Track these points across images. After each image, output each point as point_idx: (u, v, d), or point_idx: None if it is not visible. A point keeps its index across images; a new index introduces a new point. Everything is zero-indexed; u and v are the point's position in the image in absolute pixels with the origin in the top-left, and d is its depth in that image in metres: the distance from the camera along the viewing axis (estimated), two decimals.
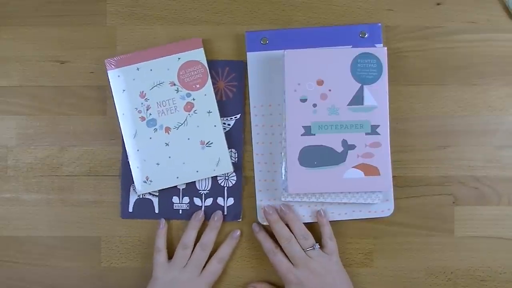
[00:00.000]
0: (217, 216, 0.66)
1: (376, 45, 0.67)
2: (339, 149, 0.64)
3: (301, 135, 0.64)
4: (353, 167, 0.64)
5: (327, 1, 0.69)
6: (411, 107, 0.68)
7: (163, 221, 0.66)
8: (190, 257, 0.64)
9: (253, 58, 0.67)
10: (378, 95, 0.64)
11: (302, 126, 0.64)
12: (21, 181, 0.68)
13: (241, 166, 0.67)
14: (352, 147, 0.64)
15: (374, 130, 0.64)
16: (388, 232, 0.67)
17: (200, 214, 0.66)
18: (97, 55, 0.68)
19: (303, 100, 0.64)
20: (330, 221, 0.66)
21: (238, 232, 0.66)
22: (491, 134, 0.68)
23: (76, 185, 0.68)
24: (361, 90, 0.64)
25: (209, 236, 0.65)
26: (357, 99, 0.64)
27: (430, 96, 0.68)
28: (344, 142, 0.64)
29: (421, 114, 0.68)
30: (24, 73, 0.69)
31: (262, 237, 0.65)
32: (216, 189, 0.67)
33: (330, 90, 0.64)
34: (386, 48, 0.65)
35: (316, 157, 0.64)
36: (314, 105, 0.64)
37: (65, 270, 0.68)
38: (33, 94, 0.68)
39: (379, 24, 0.67)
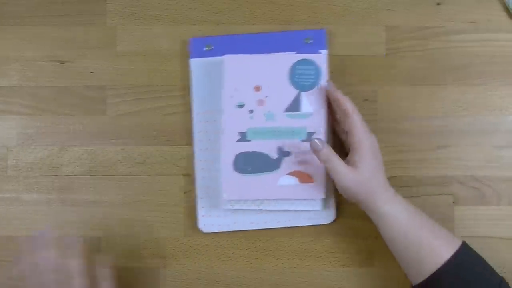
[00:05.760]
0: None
1: (320, 51, 0.66)
2: (274, 155, 0.64)
3: (237, 141, 0.64)
4: (287, 174, 0.64)
5: (327, 1, 0.69)
6: (411, 107, 0.68)
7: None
8: None
9: (196, 65, 0.67)
10: (315, 102, 0.64)
11: (238, 132, 0.64)
12: (21, 181, 0.68)
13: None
14: (287, 154, 0.64)
15: (310, 137, 0.64)
16: None
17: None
18: (97, 55, 0.68)
19: (240, 106, 0.64)
20: (272, 229, 0.66)
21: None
22: (491, 134, 0.68)
23: (76, 185, 0.68)
24: (298, 97, 0.64)
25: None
26: (294, 106, 0.64)
27: (430, 96, 0.68)
28: (279, 149, 0.64)
29: (421, 114, 0.68)
30: (24, 73, 0.69)
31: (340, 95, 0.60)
32: None
33: (267, 96, 0.64)
34: (325, 54, 0.65)
35: (251, 163, 0.64)
36: (251, 111, 0.64)
37: None
38: (33, 94, 0.68)
39: (324, 30, 0.67)
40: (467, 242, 0.59)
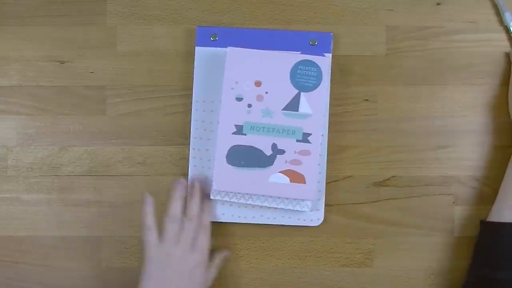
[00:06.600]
0: (195, 182, 0.65)
1: (325, 54, 0.67)
2: (268, 152, 0.64)
3: (232, 133, 0.64)
4: (279, 172, 0.64)
5: (327, 1, 0.69)
6: (411, 107, 0.68)
7: (148, 197, 0.63)
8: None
9: (201, 53, 0.67)
10: (314, 104, 0.64)
11: (235, 125, 0.64)
12: (21, 181, 0.68)
13: None
14: (281, 152, 0.64)
15: (305, 138, 0.64)
16: (388, 232, 0.67)
17: (183, 182, 0.64)
18: (97, 55, 0.68)
19: (239, 99, 0.64)
20: (261, 224, 0.66)
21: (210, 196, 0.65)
22: (491, 134, 0.68)
23: (76, 185, 0.68)
24: (297, 97, 0.64)
25: (192, 206, 0.63)
26: (293, 105, 0.64)
27: (430, 96, 0.68)
28: (274, 146, 0.64)
29: (421, 114, 0.68)
30: (24, 73, 0.69)
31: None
32: None
33: (267, 93, 0.64)
34: (329, 58, 0.65)
35: (244, 157, 0.64)
36: (249, 105, 0.64)
37: (65, 270, 0.68)
38: (33, 94, 0.68)
39: (331, 33, 0.67)
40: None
